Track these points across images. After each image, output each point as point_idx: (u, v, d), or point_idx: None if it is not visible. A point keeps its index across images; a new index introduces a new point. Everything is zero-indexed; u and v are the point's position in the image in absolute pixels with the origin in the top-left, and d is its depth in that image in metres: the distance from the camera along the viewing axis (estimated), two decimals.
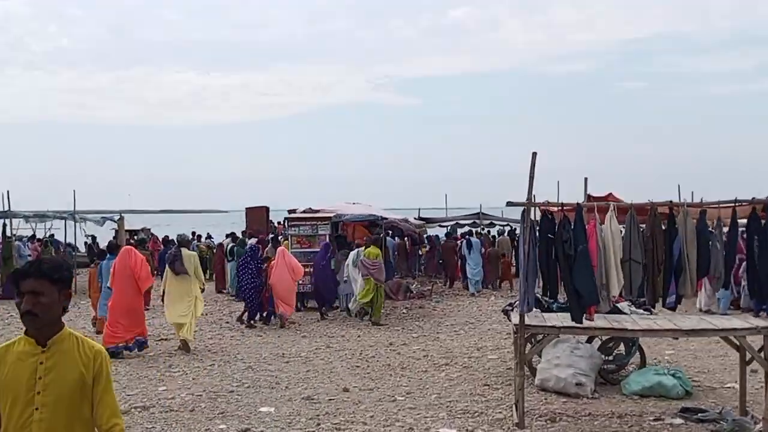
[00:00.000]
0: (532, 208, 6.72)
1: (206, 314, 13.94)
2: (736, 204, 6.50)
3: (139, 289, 10.86)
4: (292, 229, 16.48)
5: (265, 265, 14.04)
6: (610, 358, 9.06)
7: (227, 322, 14.14)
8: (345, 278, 15.10)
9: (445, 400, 7.92)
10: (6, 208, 19.47)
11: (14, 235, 21.13)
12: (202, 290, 11.68)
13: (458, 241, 22.21)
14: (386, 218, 17.07)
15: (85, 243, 29.15)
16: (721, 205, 6.58)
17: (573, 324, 6.61)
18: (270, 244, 17.02)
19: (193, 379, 9.07)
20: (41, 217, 21.55)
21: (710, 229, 6.47)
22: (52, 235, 28.01)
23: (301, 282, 14.89)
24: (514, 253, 25.14)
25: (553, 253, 6.56)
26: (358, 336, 12.41)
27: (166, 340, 12.07)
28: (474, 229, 25.14)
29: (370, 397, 8.11)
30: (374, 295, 13.86)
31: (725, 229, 6.64)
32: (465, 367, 9.71)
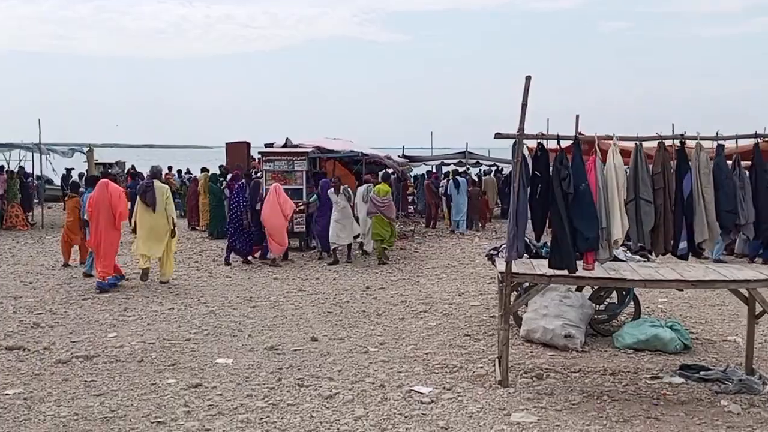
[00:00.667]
0: (524, 142, 5.85)
1: (176, 252, 13.14)
2: (758, 137, 5.67)
3: (114, 223, 10.56)
4: (267, 164, 15.50)
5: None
6: (602, 307, 8.39)
7: (196, 262, 13.36)
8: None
9: (422, 353, 7.21)
10: None
11: None
12: (173, 227, 11.02)
13: (440, 181, 21.37)
14: (367, 155, 16.14)
15: (63, 176, 28.10)
16: (739, 139, 5.74)
17: (565, 273, 5.83)
18: (242, 181, 16.17)
19: (148, 324, 8.30)
20: (5, 146, 20.37)
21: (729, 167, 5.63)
22: (22, 167, 26.90)
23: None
24: (497, 193, 24.63)
25: (546, 193, 5.73)
26: (334, 279, 11.67)
27: (126, 280, 11.28)
28: (460, 168, 24.32)
29: (339, 348, 7.39)
30: (389, 232, 13.58)
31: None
32: (445, 314, 9.01)
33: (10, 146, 20.74)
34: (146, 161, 39.93)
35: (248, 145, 23.99)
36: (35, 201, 22.48)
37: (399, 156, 21.19)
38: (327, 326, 8.33)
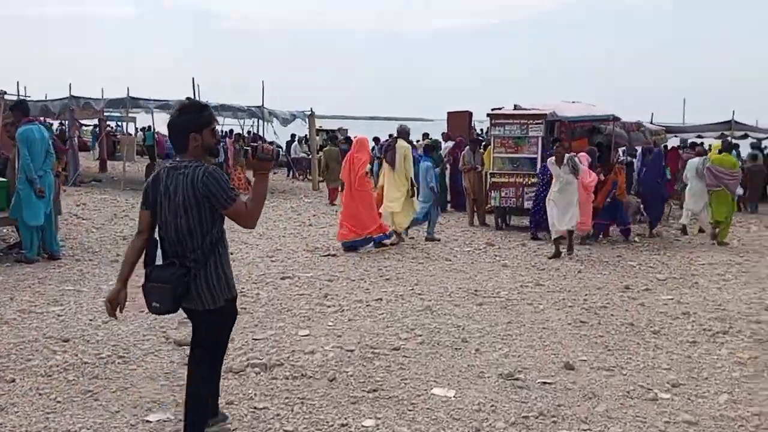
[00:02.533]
0: None
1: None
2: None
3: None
4: (496, 129, 13.29)
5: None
6: None
7: (411, 237, 11.57)
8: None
9: (746, 411, 4.59)
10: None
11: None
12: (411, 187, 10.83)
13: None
14: (619, 118, 13.20)
15: (287, 142, 28.32)
16: None
17: None
18: (467, 148, 14.13)
19: (350, 320, 6.55)
20: (228, 110, 20.31)
21: None
22: (251, 132, 27.45)
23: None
24: None
25: None
26: (579, 272, 9.18)
27: (333, 256, 9.78)
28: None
29: (609, 385, 5.01)
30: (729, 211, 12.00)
31: None
32: (758, 341, 6.19)
33: (234, 110, 20.64)
34: (366, 132, 39.66)
35: (470, 114, 22.21)
36: None
37: (651, 123, 17.76)
38: (583, 345, 5.97)
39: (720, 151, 13.05)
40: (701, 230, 12.77)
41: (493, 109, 13.94)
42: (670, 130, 20.99)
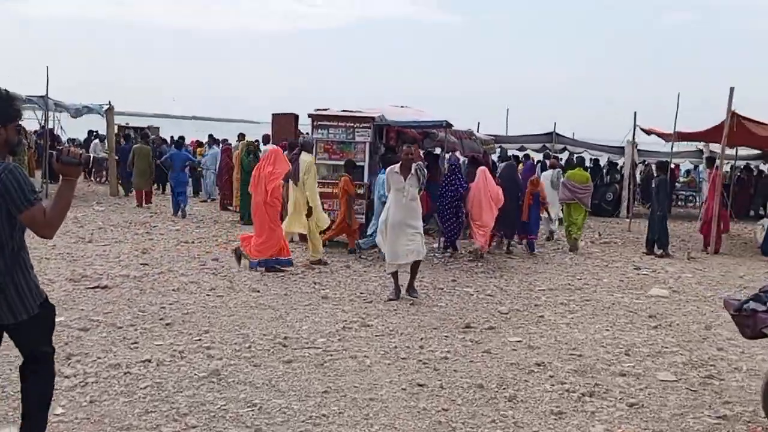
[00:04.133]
0: None
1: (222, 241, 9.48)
2: None
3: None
4: (319, 131, 11.62)
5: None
6: None
7: (215, 260, 9.55)
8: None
9: None
10: None
11: None
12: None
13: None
14: (452, 125, 12.04)
15: (85, 139, 24.80)
16: None
17: None
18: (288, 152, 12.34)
19: (91, 402, 4.46)
20: None
21: None
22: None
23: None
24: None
25: None
26: (411, 304, 7.70)
27: (105, 288, 7.53)
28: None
29: None
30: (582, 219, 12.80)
31: None
32: (632, 405, 4.96)
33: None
34: (195, 132, 36.44)
35: (296, 117, 20.48)
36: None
37: (483, 134, 17.05)
38: (424, 427, 4.37)
39: (573, 167, 13.92)
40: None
41: (316, 110, 12.24)
42: (497, 140, 20.65)
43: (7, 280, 3.18)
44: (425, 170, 7.95)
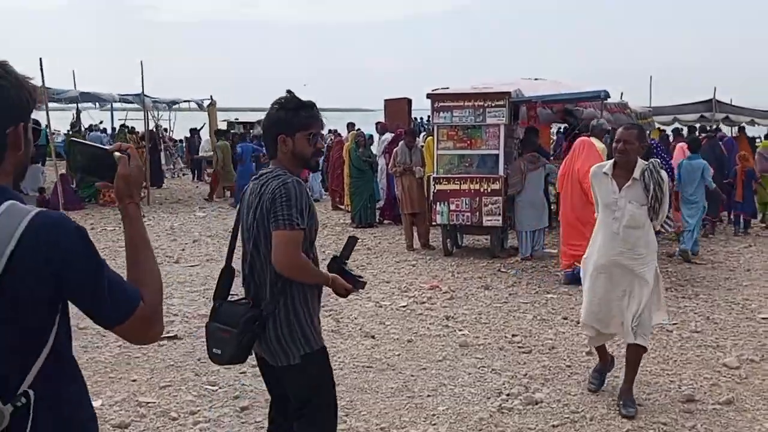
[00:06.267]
0: None
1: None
2: None
3: None
4: (441, 115, 9.41)
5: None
6: None
7: None
8: None
9: None
10: None
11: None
12: None
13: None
14: (609, 95, 9.46)
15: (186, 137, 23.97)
16: None
17: None
18: (401, 143, 10.34)
19: None
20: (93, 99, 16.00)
21: None
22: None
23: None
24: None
25: None
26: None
27: (372, 337, 5.74)
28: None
29: None
30: None
31: None
32: None
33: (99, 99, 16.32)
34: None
35: (410, 101, 18.45)
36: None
37: (644, 107, 14.19)
38: None
39: None
40: None
41: (434, 90, 10.05)
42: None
43: (269, 312, 2.72)
44: (660, 172, 4.28)
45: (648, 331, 4.31)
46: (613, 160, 4.40)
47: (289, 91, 2.78)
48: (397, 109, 18.00)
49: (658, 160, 4.48)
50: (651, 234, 4.30)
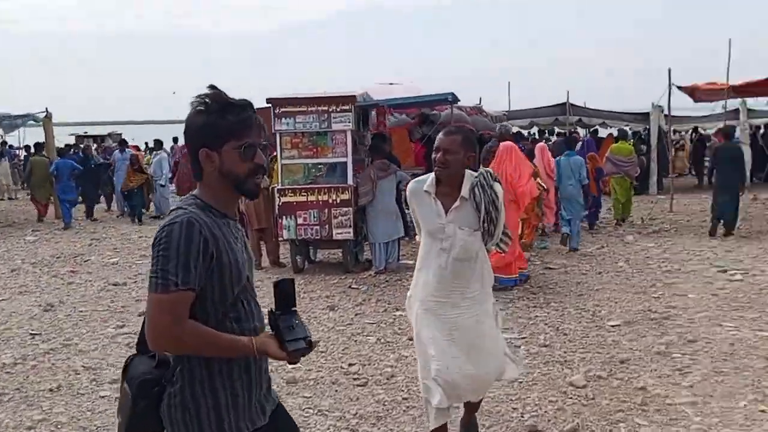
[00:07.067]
0: None
1: None
2: None
3: None
4: (283, 121, 8.71)
5: None
6: None
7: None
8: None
9: None
10: None
11: None
12: None
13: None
14: (458, 98, 9.13)
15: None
16: None
17: None
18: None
19: None
20: None
21: None
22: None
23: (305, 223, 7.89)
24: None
25: None
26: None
27: None
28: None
29: None
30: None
31: None
32: None
33: None
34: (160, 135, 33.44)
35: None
36: None
37: (497, 112, 14.13)
38: None
39: (616, 140, 13.16)
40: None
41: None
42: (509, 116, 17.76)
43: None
44: (494, 186, 3.45)
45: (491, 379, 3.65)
46: (433, 174, 3.45)
47: (212, 86, 2.00)
48: (266, 117, 17.18)
49: (491, 170, 3.78)
50: (486, 264, 3.51)
